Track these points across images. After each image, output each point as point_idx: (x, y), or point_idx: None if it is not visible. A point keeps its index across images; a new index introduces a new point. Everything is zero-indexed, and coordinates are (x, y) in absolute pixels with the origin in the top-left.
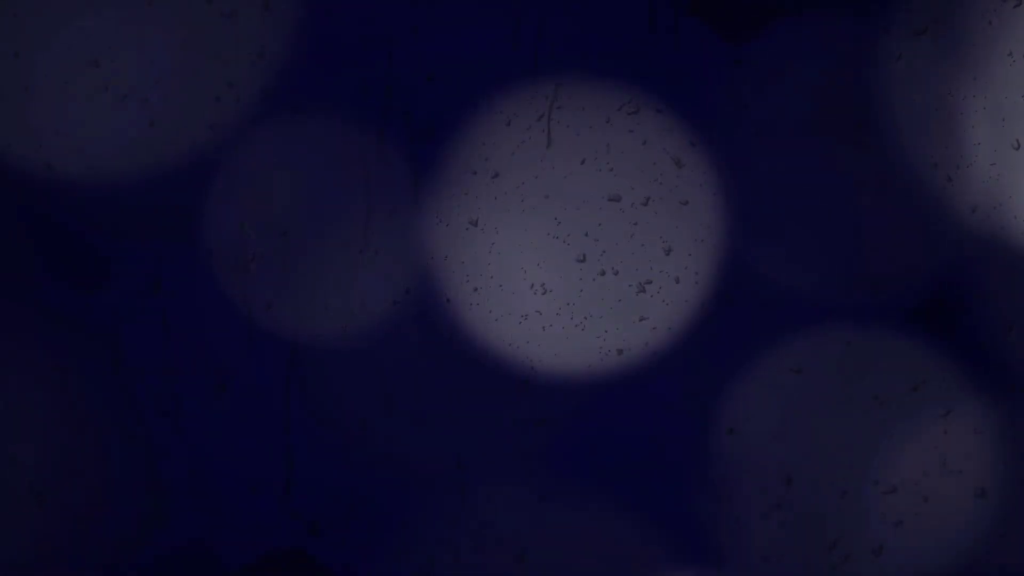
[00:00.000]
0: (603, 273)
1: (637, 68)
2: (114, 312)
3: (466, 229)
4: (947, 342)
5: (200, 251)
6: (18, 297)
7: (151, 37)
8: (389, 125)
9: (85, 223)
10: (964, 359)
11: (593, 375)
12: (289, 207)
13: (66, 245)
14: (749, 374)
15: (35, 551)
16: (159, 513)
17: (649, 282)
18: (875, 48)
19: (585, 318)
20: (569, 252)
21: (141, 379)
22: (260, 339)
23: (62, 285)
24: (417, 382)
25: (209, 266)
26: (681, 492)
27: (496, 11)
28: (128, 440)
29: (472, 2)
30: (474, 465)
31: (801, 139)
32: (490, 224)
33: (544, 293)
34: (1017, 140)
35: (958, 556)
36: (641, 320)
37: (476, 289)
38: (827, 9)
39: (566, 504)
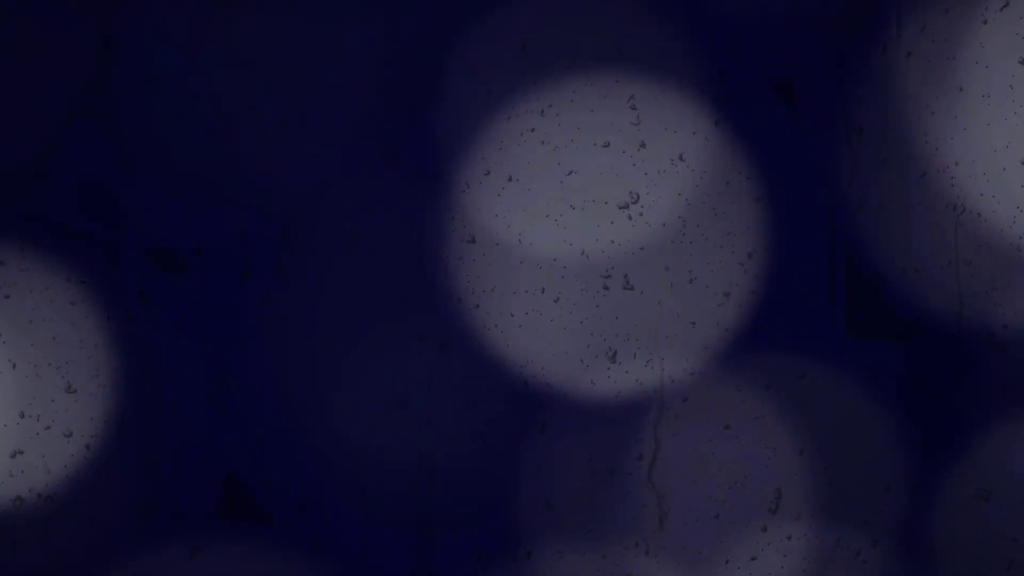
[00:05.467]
0: (608, 278)
1: (638, 68)
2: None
3: (472, 231)
4: (939, 344)
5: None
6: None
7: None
8: (395, 125)
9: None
10: (957, 361)
11: (595, 378)
12: (294, 210)
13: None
14: (751, 377)
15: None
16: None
17: (655, 282)
18: (874, 49)
19: (586, 320)
20: (574, 256)
21: (143, 378)
22: (264, 341)
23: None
24: (422, 384)
25: (209, 269)
26: (681, 492)
27: (499, 12)
28: (128, 436)
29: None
30: (476, 467)
31: (799, 139)
32: (496, 226)
33: (556, 302)
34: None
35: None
36: (644, 323)
37: (482, 292)
38: (828, 9)
39: (570, 506)
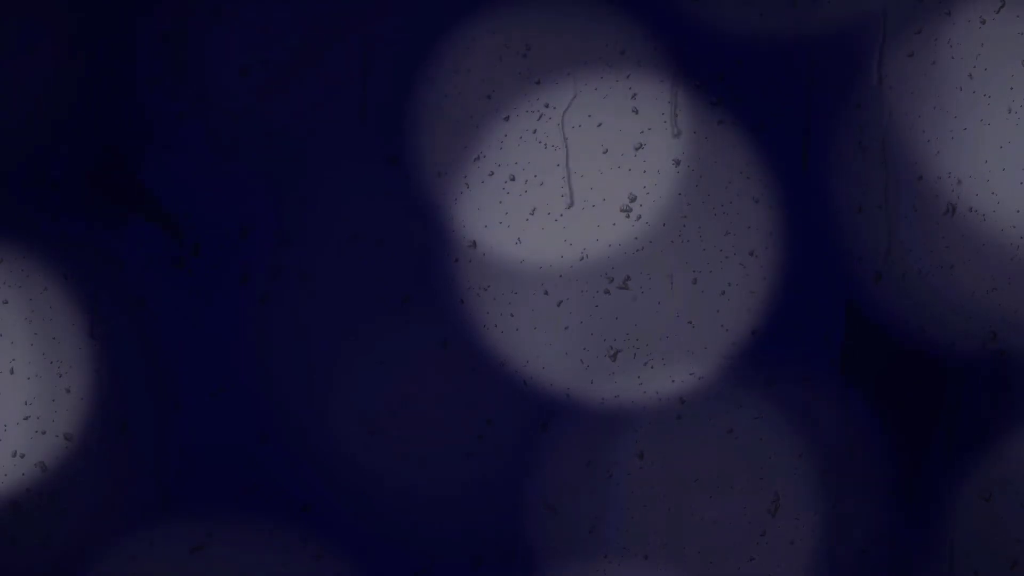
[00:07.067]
0: (609, 279)
1: (639, 69)
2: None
3: (473, 232)
4: (939, 345)
5: (196, 257)
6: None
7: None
8: (395, 125)
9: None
10: (956, 362)
11: (596, 379)
12: (294, 211)
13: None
14: (751, 378)
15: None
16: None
17: (655, 283)
18: (873, 49)
19: (586, 320)
20: (574, 257)
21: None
22: (266, 341)
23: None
24: (423, 383)
25: (209, 269)
26: (681, 494)
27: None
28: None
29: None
30: (477, 467)
31: (799, 139)
32: (497, 227)
33: (557, 303)
34: None
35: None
36: (644, 324)
37: (483, 292)
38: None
39: (570, 507)
